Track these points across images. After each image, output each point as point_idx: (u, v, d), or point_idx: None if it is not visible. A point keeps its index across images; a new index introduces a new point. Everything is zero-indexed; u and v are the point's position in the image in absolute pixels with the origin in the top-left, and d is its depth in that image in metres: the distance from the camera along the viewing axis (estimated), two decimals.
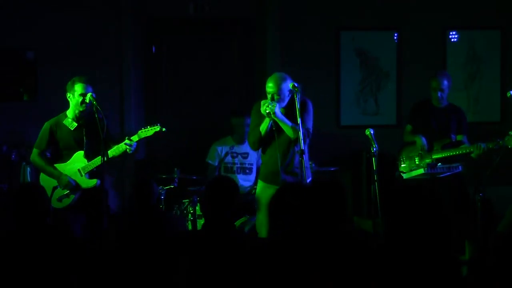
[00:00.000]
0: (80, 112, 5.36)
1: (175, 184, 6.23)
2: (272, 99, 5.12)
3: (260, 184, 5.40)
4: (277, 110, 5.06)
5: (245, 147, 6.65)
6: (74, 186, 5.36)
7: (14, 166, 6.49)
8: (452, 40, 7.45)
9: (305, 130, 5.17)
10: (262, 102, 5.11)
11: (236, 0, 7.37)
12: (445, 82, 5.98)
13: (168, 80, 7.44)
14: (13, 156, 6.46)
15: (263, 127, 5.19)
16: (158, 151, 7.19)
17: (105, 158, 5.05)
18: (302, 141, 4.92)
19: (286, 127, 5.12)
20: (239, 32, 7.47)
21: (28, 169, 6.43)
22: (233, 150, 6.58)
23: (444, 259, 2.97)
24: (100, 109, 5.20)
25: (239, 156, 6.65)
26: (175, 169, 6.25)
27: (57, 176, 5.38)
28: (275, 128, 5.12)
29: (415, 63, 7.35)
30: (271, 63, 7.24)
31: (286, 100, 5.21)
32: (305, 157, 5.15)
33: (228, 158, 6.57)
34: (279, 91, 5.14)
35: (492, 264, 2.82)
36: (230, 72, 7.48)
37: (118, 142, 5.40)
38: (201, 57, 7.43)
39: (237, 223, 5.86)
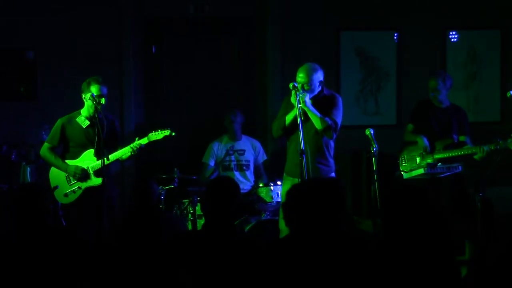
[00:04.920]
0: (95, 111, 5.40)
1: (175, 184, 6.23)
2: (302, 89, 5.14)
3: (285, 178, 5.40)
4: (307, 100, 5.09)
5: (241, 144, 6.68)
6: (82, 176, 5.44)
7: (14, 166, 6.49)
8: (452, 40, 7.45)
9: (334, 123, 5.20)
10: (293, 92, 5.08)
11: (236, 0, 7.37)
12: (441, 83, 5.97)
13: (168, 80, 7.44)
14: (13, 156, 6.46)
15: (290, 116, 5.16)
16: (158, 151, 7.19)
17: (107, 159, 5.14)
18: (302, 141, 4.91)
19: (315, 117, 5.13)
20: (239, 32, 7.46)
21: (28, 169, 6.43)
22: (231, 148, 6.61)
23: (443, 259, 2.97)
24: (100, 109, 5.28)
25: (236, 153, 6.67)
26: (175, 169, 6.26)
27: (64, 168, 5.49)
28: (303, 118, 5.05)
29: (415, 63, 7.35)
30: (271, 63, 7.25)
31: (316, 91, 5.24)
32: (332, 151, 5.26)
33: (225, 156, 6.59)
34: (310, 81, 5.18)
35: (492, 264, 2.82)
36: (230, 72, 7.48)
37: (125, 145, 5.47)
38: (201, 57, 7.42)
39: (236, 223, 5.85)
